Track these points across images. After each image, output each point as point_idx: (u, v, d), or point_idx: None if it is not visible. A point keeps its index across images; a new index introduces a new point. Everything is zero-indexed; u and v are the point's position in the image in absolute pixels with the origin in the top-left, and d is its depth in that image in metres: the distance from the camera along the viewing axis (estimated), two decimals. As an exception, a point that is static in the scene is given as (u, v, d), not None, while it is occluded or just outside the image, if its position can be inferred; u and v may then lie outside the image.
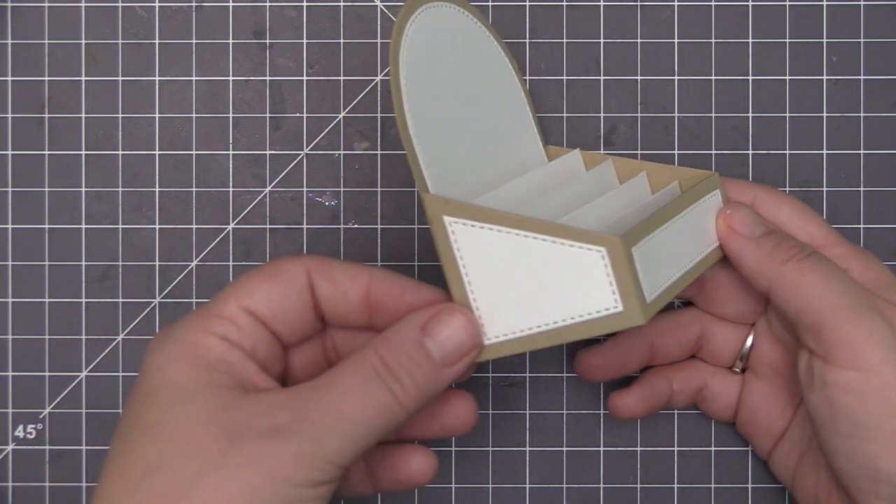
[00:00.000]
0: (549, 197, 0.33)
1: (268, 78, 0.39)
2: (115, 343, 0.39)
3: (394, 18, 0.39)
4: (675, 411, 0.39)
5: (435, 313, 0.30)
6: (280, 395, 0.28)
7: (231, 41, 0.39)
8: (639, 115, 0.39)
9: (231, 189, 0.39)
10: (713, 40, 0.39)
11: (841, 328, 0.30)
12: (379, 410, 0.28)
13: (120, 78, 0.39)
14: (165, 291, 0.39)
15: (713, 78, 0.39)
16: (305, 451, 0.27)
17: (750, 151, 0.39)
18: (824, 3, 0.39)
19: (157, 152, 0.39)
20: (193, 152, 0.39)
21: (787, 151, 0.39)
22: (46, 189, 0.39)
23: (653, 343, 0.37)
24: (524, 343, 0.30)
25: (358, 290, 0.31)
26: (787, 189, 0.39)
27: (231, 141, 0.39)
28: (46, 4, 0.39)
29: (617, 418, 0.37)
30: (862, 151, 0.39)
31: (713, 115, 0.39)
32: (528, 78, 0.39)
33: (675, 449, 0.39)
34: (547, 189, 0.34)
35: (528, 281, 0.29)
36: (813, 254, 0.32)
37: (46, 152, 0.39)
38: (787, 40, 0.39)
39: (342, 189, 0.39)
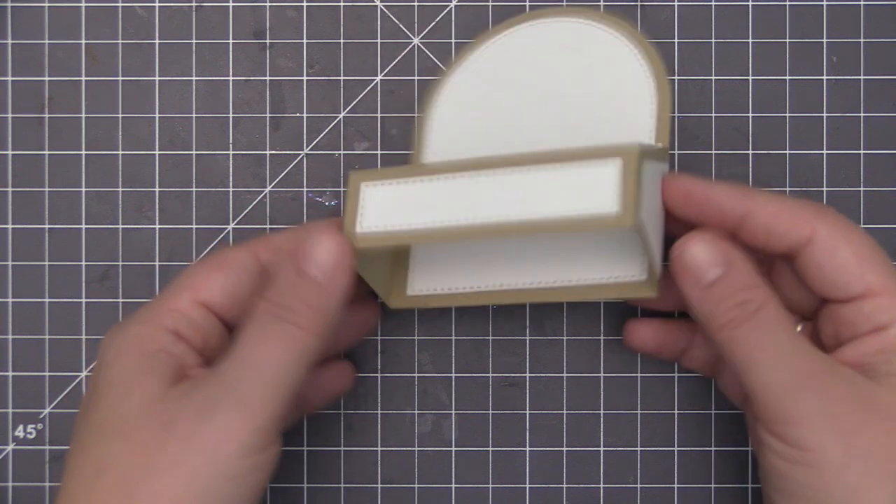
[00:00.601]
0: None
1: (268, 78, 0.39)
2: (115, 343, 0.39)
3: (394, 19, 0.39)
4: (675, 411, 0.39)
5: (300, 243, 0.30)
6: (203, 373, 0.30)
7: (231, 41, 0.39)
8: (639, 115, 0.39)
9: (231, 189, 0.39)
10: (713, 40, 0.39)
11: (774, 407, 0.29)
12: (288, 348, 0.29)
13: (120, 78, 0.39)
14: (165, 291, 0.39)
15: (713, 78, 0.39)
16: (233, 419, 0.28)
17: (750, 151, 0.39)
18: (824, 3, 0.39)
19: (157, 152, 0.39)
20: (193, 152, 0.39)
21: (787, 151, 0.39)
22: (46, 189, 0.39)
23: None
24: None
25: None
26: (787, 189, 0.39)
27: (231, 141, 0.39)
28: (46, 4, 0.39)
29: (626, 345, 0.37)
30: (862, 151, 0.39)
31: (713, 115, 0.39)
32: (528, 78, 0.39)
33: (675, 449, 0.39)
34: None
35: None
36: (753, 316, 0.30)
37: (46, 152, 0.39)
38: (787, 40, 0.39)
39: (342, 189, 0.39)
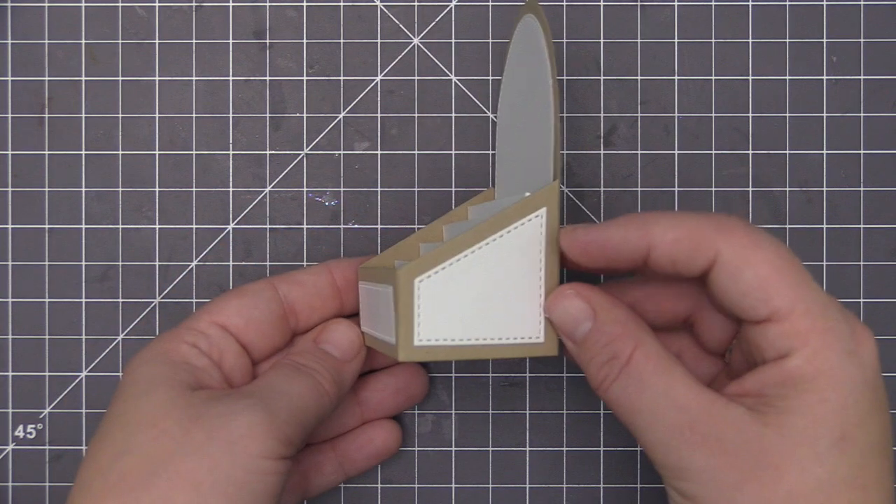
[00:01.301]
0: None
1: (268, 78, 0.39)
2: (115, 343, 0.39)
3: (394, 19, 0.39)
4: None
5: (322, 327, 0.35)
6: (226, 389, 0.33)
7: (231, 41, 0.39)
8: (639, 115, 0.39)
9: (231, 189, 0.39)
10: (713, 40, 0.39)
11: (662, 462, 0.28)
12: (309, 389, 0.32)
13: (120, 78, 0.39)
14: (165, 291, 0.39)
15: (713, 78, 0.39)
16: (259, 421, 0.30)
17: (750, 151, 0.39)
18: (824, 3, 0.39)
19: (157, 152, 0.39)
20: (193, 152, 0.39)
21: (787, 151, 0.39)
22: (46, 189, 0.39)
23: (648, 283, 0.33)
24: (449, 352, 0.30)
25: (324, 280, 0.35)
26: (787, 189, 0.39)
27: (231, 141, 0.39)
28: (46, 4, 0.39)
29: (561, 246, 0.31)
30: (862, 151, 0.39)
31: (713, 115, 0.39)
32: (528, 78, 0.39)
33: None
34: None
35: (473, 296, 0.31)
36: (624, 371, 0.29)
37: (46, 152, 0.39)
38: (787, 40, 0.39)
39: (342, 189, 0.39)
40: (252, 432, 0.29)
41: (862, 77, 0.39)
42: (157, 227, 0.39)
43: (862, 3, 0.39)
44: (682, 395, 0.28)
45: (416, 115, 0.39)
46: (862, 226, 0.39)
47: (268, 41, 0.39)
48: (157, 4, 0.39)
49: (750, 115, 0.39)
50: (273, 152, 0.39)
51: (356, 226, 0.39)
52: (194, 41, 0.39)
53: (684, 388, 0.28)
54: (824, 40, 0.39)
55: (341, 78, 0.39)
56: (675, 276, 0.30)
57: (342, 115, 0.39)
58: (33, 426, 0.39)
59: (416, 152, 0.39)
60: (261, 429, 0.30)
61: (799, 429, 0.27)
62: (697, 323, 0.32)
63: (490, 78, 0.39)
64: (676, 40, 0.39)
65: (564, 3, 0.39)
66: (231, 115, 0.39)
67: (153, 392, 0.31)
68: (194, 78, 0.39)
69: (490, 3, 0.39)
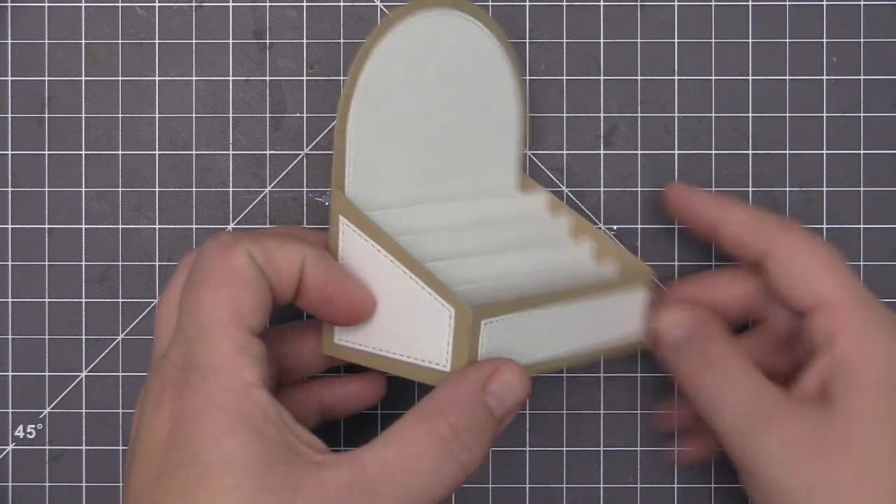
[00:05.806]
0: (477, 233, 0.34)
1: (268, 78, 0.39)
2: (115, 343, 0.39)
3: (394, 18, 0.39)
4: (675, 411, 0.39)
5: (495, 371, 0.29)
6: (345, 473, 0.27)
7: (231, 41, 0.39)
8: (639, 115, 0.39)
9: (231, 189, 0.39)
10: (713, 40, 0.39)
11: (739, 446, 0.31)
12: (449, 486, 0.28)
13: (120, 78, 0.39)
14: (165, 291, 0.39)
15: (713, 78, 0.39)
16: None
17: (750, 151, 0.39)
18: (824, 3, 0.39)
19: (157, 152, 0.39)
20: (193, 152, 0.39)
21: (787, 151, 0.39)
22: (46, 189, 0.39)
23: None
24: (362, 358, 0.32)
25: (294, 271, 0.30)
26: (787, 189, 0.39)
27: (231, 141, 0.39)
28: (46, 4, 0.39)
29: (684, 465, 0.38)
30: (862, 151, 0.39)
31: (713, 115, 0.39)
32: (528, 78, 0.39)
33: (675, 449, 0.39)
34: (483, 224, 0.34)
35: (388, 307, 0.31)
36: (712, 364, 0.32)
37: (46, 152, 0.39)
38: (787, 40, 0.39)
39: (342, 189, 0.39)
40: None
41: (862, 77, 0.39)
42: (157, 227, 0.39)
43: (862, 3, 0.39)
44: (761, 388, 0.31)
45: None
46: (862, 226, 0.39)
47: (268, 41, 0.39)
48: (157, 4, 0.39)
49: (750, 115, 0.39)
50: (273, 152, 0.39)
51: (356, 226, 0.39)
52: (194, 41, 0.39)
53: (762, 383, 0.32)
54: (824, 40, 0.39)
55: (341, 78, 0.39)
56: (737, 256, 0.34)
57: (342, 115, 0.39)
58: (33, 426, 0.39)
59: (416, 152, 0.39)
60: None
61: (861, 408, 0.30)
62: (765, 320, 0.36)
63: (490, 78, 0.39)
64: (676, 40, 0.39)
65: (564, 3, 0.39)
66: (231, 115, 0.39)
67: (258, 487, 0.26)
68: (194, 78, 0.39)
69: (490, 3, 0.39)
